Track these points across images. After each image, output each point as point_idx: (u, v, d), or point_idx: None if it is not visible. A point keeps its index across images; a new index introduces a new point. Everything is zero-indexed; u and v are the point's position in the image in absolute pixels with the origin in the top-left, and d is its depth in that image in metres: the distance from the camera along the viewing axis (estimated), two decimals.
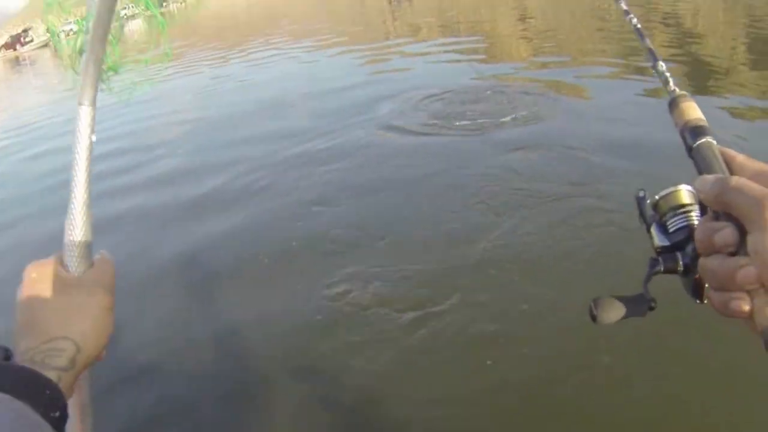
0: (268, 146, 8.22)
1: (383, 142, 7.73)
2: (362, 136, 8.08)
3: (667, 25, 13.64)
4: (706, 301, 0.68)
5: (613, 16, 16.28)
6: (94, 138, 1.01)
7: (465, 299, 4.23)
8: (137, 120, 12.12)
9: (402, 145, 7.53)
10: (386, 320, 4.15)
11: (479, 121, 7.86)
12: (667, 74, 0.93)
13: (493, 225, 5.12)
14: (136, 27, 63.24)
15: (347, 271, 4.79)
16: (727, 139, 5.62)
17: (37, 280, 0.89)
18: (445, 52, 13.76)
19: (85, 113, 1.01)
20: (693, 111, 0.81)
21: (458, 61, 12.57)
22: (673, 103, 0.85)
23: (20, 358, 0.81)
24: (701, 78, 8.85)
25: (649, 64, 1.02)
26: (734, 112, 6.99)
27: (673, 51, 10.50)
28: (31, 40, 69.73)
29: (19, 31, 75.40)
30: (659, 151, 5.43)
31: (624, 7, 1.28)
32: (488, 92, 9.22)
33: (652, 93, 7.89)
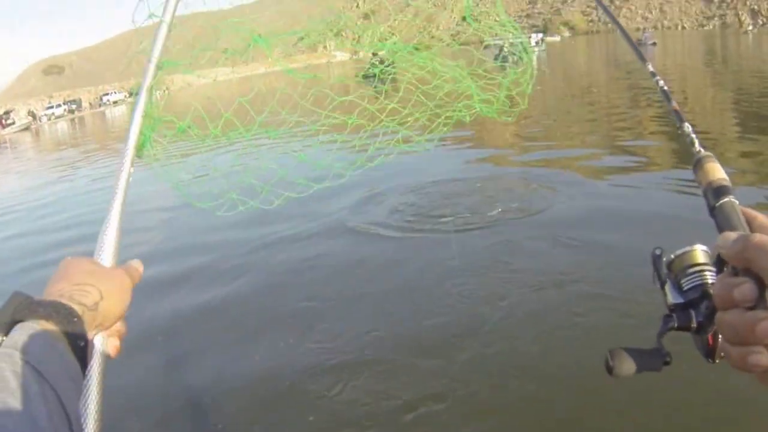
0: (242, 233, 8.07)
1: (360, 242, 7.20)
2: (337, 238, 7.44)
3: (650, 105, 14.03)
4: (717, 361, 0.71)
5: (600, 101, 16.69)
6: (132, 170, 1.21)
7: (459, 394, 4.01)
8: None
9: (380, 247, 6.95)
10: (378, 416, 3.92)
11: (466, 215, 7.36)
12: (693, 135, 0.98)
13: (485, 317, 4.91)
14: (119, 113, 64.14)
15: (332, 364, 4.57)
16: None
17: (72, 260, 1.01)
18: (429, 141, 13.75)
19: (129, 152, 1.22)
20: (716, 171, 0.84)
21: (445, 149, 12.16)
22: (698, 164, 0.88)
23: (49, 297, 0.88)
24: (691, 153, 8.91)
25: (676, 126, 1.03)
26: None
27: (664, 128, 10.71)
28: (13, 123, 70.18)
29: (0, 113, 76.04)
30: (655, 235, 5.46)
31: (650, 69, 1.29)
32: (477, 184, 8.78)
33: (638, 173, 8.00)
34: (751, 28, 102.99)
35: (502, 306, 5.04)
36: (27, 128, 66.71)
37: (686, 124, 1.02)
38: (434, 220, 7.35)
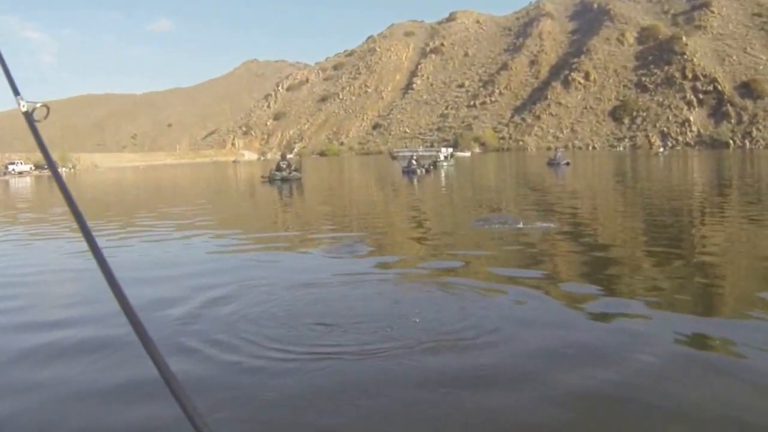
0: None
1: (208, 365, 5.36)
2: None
3: (568, 233, 14.30)
4: None
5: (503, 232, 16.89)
6: None
7: None
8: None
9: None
10: None
11: (346, 330, 6.14)
12: None
13: None
14: (23, 184, 61.71)
15: None
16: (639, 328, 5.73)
17: None
18: (331, 243, 13.04)
19: None
20: None
21: (341, 256, 11.43)
22: None
23: None
24: (604, 275, 9.11)
25: None
26: (635, 300, 7.24)
27: (583, 258, 10.87)
28: None
29: None
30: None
31: None
32: (378, 293, 7.81)
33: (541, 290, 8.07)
34: (662, 150, 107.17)
35: None
36: None
37: None
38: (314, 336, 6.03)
